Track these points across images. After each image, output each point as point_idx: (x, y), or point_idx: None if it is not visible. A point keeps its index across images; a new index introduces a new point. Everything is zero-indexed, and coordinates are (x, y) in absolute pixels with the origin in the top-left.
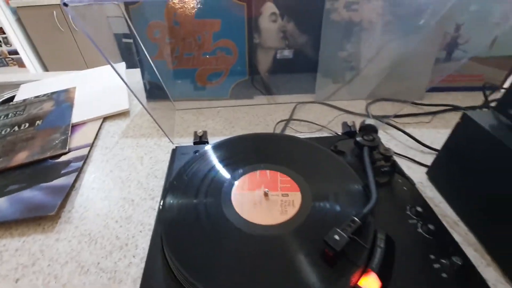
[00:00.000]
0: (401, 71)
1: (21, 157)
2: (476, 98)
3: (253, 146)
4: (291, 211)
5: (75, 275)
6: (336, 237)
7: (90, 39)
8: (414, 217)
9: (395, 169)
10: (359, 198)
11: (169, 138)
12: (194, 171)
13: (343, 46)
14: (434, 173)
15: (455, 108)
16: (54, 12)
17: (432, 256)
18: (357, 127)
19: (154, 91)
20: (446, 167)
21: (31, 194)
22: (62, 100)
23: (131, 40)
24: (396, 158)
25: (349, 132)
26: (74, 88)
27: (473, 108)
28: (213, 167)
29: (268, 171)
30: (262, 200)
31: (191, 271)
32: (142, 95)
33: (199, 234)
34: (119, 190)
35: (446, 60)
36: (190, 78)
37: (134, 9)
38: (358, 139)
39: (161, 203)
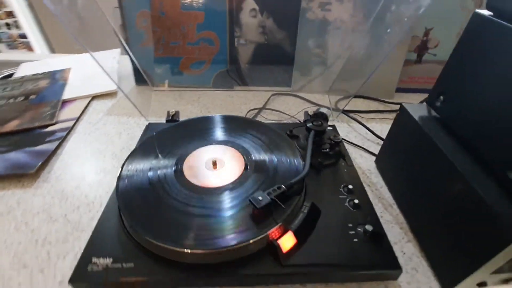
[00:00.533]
0: (370, 70)
1: (12, 125)
2: None
3: (210, 126)
4: (233, 178)
5: (44, 223)
6: (260, 198)
7: (63, 22)
8: (345, 193)
9: (340, 153)
10: (296, 171)
11: (143, 115)
12: (155, 143)
13: (318, 43)
14: (379, 161)
15: None
16: None
17: (350, 225)
18: None
19: (141, 76)
20: (388, 156)
21: (16, 155)
22: (57, 79)
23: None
24: (351, 147)
25: (308, 120)
26: (69, 69)
27: None
28: (171, 141)
29: (219, 146)
30: (210, 168)
31: (134, 219)
32: (130, 79)
33: (149, 193)
34: (95, 159)
35: (416, 62)
36: (175, 66)
37: None
38: (308, 124)
39: (122, 164)
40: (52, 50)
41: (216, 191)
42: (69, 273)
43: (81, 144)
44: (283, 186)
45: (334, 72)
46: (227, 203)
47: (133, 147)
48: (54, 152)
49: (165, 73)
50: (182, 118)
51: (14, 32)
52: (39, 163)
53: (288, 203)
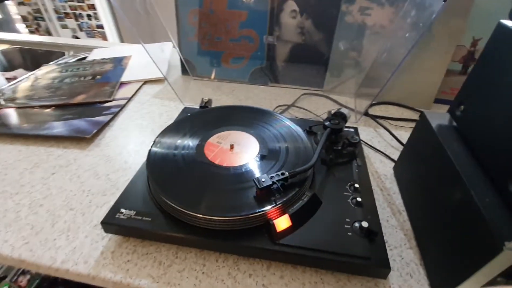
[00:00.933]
0: (411, 78)
1: (79, 98)
2: None
3: (235, 114)
4: (245, 160)
5: (91, 178)
6: (263, 179)
7: (125, 18)
8: (350, 191)
9: (354, 154)
10: (305, 163)
11: (180, 100)
12: (184, 125)
13: (354, 46)
14: (397, 167)
15: None
16: None
17: (347, 219)
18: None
19: (186, 67)
20: (405, 163)
21: (78, 123)
22: (119, 64)
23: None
24: (372, 151)
25: (327, 119)
26: (130, 56)
27: None
28: (198, 123)
29: (239, 132)
30: (227, 150)
31: (157, 182)
32: (178, 69)
33: (173, 164)
34: (137, 132)
35: (461, 73)
36: (217, 59)
37: None
38: (326, 123)
39: (154, 141)
40: (121, 40)
41: (229, 169)
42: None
43: (128, 119)
44: (286, 172)
45: (371, 78)
46: (236, 181)
47: None
48: (107, 123)
49: (208, 66)
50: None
51: (93, 22)
52: (94, 131)
53: (289, 190)
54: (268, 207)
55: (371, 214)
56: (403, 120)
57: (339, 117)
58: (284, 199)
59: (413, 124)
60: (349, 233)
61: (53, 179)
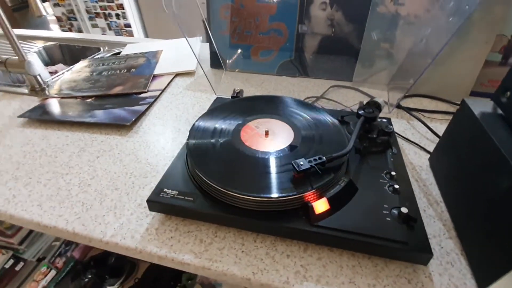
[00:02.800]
0: (445, 70)
1: (117, 89)
2: None
3: (269, 103)
4: (281, 146)
5: (132, 162)
6: (301, 163)
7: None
8: (387, 179)
9: (388, 143)
10: (339, 150)
11: (214, 90)
12: (220, 113)
13: (386, 37)
14: (433, 159)
15: None
16: None
17: (385, 205)
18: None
19: (217, 60)
20: (442, 153)
21: (118, 111)
22: (151, 58)
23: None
24: (405, 142)
25: (360, 108)
26: (161, 50)
27: None
28: (235, 111)
29: (274, 120)
30: (263, 136)
31: (199, 164)
32: (207, 62)
33: (212, 147)
34: (172, 121)
35: (501, 64)
36: (246, 53)
37: None
38: (360, 111)
39: (193, 124)
40: (147, 36)
41: (265, 154)
42: (145, 199)
43: (163, 109)
44: (323, 157)
45: (404, 70)
46: (272, 165)
47: None
48: (144, 112)
49: (238, 59)
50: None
51: (121, 21)
52: (133, 119)
53: (326, 174)
54: (306, 190)
55: (409, 201)
56: (437, 113)
57: (373, 106)
58: (322, 182)
59: (448, 117)
60: (387, 218)
61: (98, 162)
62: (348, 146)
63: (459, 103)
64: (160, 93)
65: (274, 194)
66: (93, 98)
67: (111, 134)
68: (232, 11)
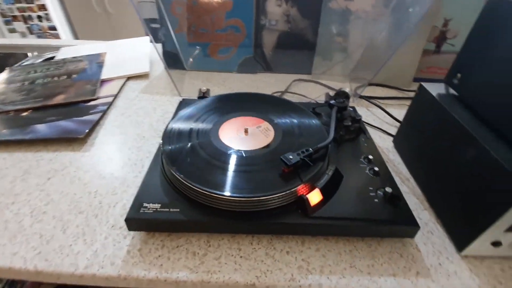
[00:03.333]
0: (393, 60)
1: (59, 98)
2: None
3: (243, 101)
4: (264, 143)
5: (94, 178)
6: (291, 157)
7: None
8: (366, 163)
9: (360, 129)
10: (319, 141)
11: (178, 92)
12: (192, 113)
13: (339, 31)
14: (397, 140)
15: None
16: None
17: (370, 188)
18: None
19: (171, 60)
20: (405, 134)
21: (65, 123)
22: (95, 61)
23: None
24: (370, 128)
25: (331, 98)
26: (105, 53)
27: None
28: (207, 112)
29: (248, 117)
30: (242, 134)
31: (180, 170)
32: (160, 64)
33: (191, 150)
34: (134, 128)
35: (435, 53)
36: (204, 51)
37: None
38: (331, 101)
39: (165, 128)
40: (77, 38)
41: (247, 152)
42: (119, 219)
43: (121, 116)
44: (310, 149)
45: (354, 59)
46: (257, 162)
47: (167, 119)
48: (98, 122)
49: (196, 57)
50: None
51: (44, 24)
52: (87, 130)
53: (314, 165)
54: (298, 184)
55: (390, 181)
56: (390, 99)
57: (342, 96)
58: (312, 174)
59: (400, 102)
60: (375, 200)
61: (50, 184)
62: (330, 136)
63: (407, 89)
64: (114, 99)
65: (268, 192)
66: (30, 111)
67: (61, 151)
68: (186, 8)
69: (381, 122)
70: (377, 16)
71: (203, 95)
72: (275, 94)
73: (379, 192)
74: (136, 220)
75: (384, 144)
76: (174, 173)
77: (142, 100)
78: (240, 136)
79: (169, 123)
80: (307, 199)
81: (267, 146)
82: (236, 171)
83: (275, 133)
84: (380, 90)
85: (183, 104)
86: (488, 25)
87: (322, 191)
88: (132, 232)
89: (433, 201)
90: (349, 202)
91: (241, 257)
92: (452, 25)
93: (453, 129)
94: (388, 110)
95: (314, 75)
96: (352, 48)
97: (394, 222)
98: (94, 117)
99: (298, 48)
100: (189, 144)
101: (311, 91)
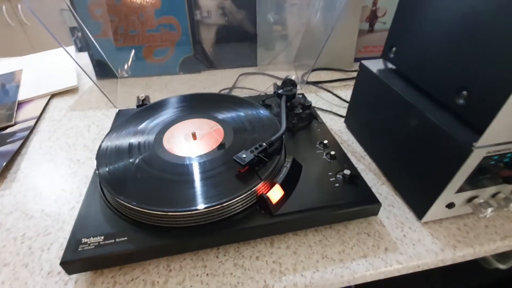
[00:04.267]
0: (330, 42)
1: None
2: None
3: (185, 104)
4: (214, 145)
5: (19, 221)
6: (244, 155)
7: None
8: (322, 148)
9: (312, 115)
10: (273, 133)
11: (113, 104)
12: (131, 125)
13: (277, 20)
14: (348, 120)
15: None
16: (4, 6)
17: (330, 173)
18: None
19: (102, 70)
20: (355, 113)
21: None
22: (8, 81)
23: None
24: (321, 112)
25: (278, 88)
26: (21, 70)
27: None
28: (146, 120)
29: (197, 120)
30: (191, 139)
31: (121, 193)
32: (92, 74)
33: (133, 168)
34: (65, 152)
35: (369, 32)
36: (138, 55)
37: None
38: (279, 91)
39: (99, 147)
40: None
41: (199, 158)
42: (56, 262)
43: (47, 141)
44: (263, 143)
45: (295, 46)
46: (211, 167)
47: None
48: (18, 152)
49: (130, 63)
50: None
51: None
52: (3, 164)
53: (270, 160)
54: (257, 183)
55: (346, 163)
56: (337, 81)
57: (288, 84)
58: (270, 170)
59: (345, 83)
60: (336, 184)
61: None
62: (282, 127)
63: (349, 69)
64: (36, 122)
65: (226, 198)
66: None
67: None
68: (107, 9)
69: (331, 105)
70: (309, 1)
71: (142, 103)
72: (223, 92)
73: (338, 176)
74: (75, 262)
75: (337, 126)
76: (116, 198)
77: (72, 119)
78: (188, 142)
79: (102, 141)
80: (267, 197)
81: (220, 146)
82: (189, 181)
83: (225, 131)
84: (324, 74)
85: (120, 116)
86: None
87: (283, 185)
88: (74, 276)
89: (389, 175)
90: (311, 192)
91: (207, 274)
92: (381, 3)
93: (395, 101)
94: (335, 92)
95: (260, 66)
96: (292, 35)
97: (357, 203)
98: (12, 147)
99: (239, 41)
100: (130, 160)
101: (259, 83)
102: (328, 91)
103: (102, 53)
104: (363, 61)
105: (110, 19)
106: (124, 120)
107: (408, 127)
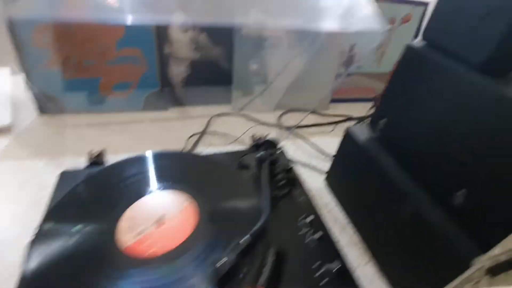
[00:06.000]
0: (308, 84)
1: None
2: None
3: (145, 169)
4: (186, 234)
5: None
6: (224, 259)
7: None
8: (304, 227)
9: (293, 180)
10: (255, 214)
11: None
12: (72, 201)
13: (255, 59)
14: (329, 180)
15: (350, 119)
16: None
17: (314, 266)
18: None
19: (47, 104)
20: (337, 175)
21: None
22: None
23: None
24: (300, 166)
25: (256, 145)
26: None
27: (362, 118)
28: (94, 198)
29: (161, 193)
30: (154, 228)
31: None
32: (30, 107)
33: (78, 278)
34: None
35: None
36: (93, 89)
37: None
38: (258, 155)
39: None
40: None
41: (164, 257)
42: None
43: None
44: (239, 242)
45: (276, 90)
46: (183, 273)
47: (45, 200)
48: None
49: (81, 99)
50: (109, 157)
51: None
52: None
53: (251, 256)
54: None
55: (332, 249)
56: (312, 126)
57: (270, 146)
58: (253, 271)
59: (323, 129)
60: (321, 283)
61: None
62: (265, 210)
63: (325, 112)
64: None
65: None
66: None
67: None
68: (55, 36)
69: (310, 157)
70: (292, 42)
71: (94, 162)
72: (194, 136)
73: (323, 269)
74: None
75: (316, 184)
76: None
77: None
78: (152, 234)
79: (33, 238)
80: None
81: (191, 239)
82: None
83: (200, 213)
84: (299, 116)
85: (64, 180)
86: (405, 74)
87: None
88: None
89: (374, 252)
90: None
91: None
92: (357, 49)
93: (385, 185)
94: (312, 140)
95: (234, 107)
96: (272, 77)
97: None
98: None
99: (213, 79)
100: (72, 264)
101: (233, 126)
102: (309, 143)
103: (48, 86)
104: (349, 128)
105: (58, 49)
106: (64, 199)
107: (398, 217)
